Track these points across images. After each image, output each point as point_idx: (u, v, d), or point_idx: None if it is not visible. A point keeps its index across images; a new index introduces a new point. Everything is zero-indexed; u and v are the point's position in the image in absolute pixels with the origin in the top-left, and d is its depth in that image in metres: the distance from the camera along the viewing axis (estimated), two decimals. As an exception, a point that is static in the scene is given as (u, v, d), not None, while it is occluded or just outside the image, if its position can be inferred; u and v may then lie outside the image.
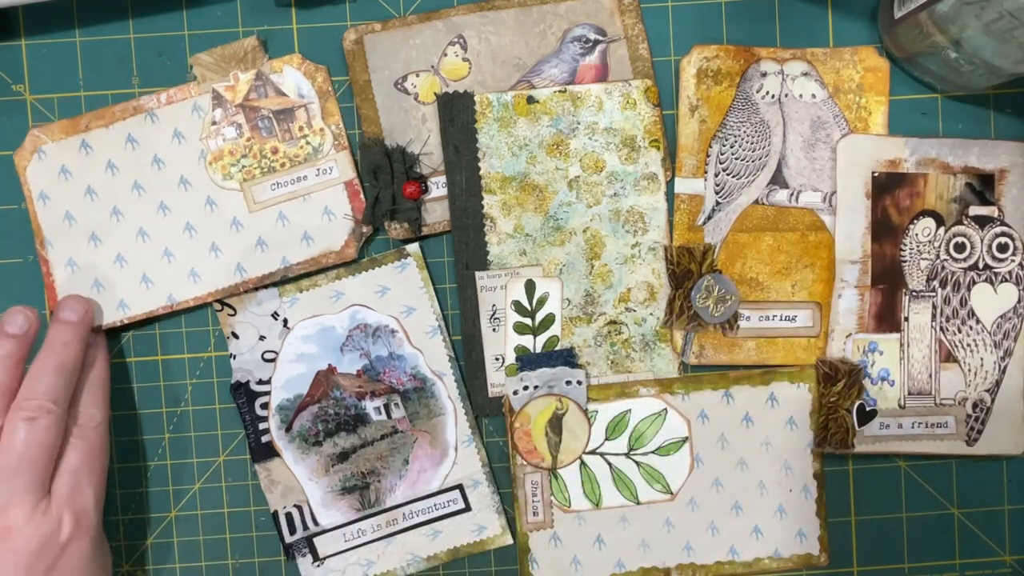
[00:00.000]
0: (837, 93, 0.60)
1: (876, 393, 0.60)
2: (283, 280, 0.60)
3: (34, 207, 0.59)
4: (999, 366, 0.60)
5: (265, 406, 0.60)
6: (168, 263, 0.59)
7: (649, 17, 0.60)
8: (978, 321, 0.60)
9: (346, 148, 0.59)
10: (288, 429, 0.60)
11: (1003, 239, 0.59)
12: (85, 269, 0.59)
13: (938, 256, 0.59)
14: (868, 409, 0.60)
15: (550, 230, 0.59)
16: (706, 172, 0.60)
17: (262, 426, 0.60)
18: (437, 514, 0.60)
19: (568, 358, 0.59)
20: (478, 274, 0.59)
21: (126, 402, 0.61)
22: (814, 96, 0.60)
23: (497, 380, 0.60)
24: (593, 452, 0.60)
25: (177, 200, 0.59)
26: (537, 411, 0.59)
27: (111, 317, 0.59)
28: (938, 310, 0.60)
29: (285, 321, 0.60)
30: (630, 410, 0.60)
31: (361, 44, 0.59)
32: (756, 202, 0.60)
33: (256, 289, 0.59)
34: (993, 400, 0.60)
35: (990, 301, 0.60)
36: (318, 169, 0.59)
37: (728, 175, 0.60)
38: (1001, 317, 0.60)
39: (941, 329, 0.60)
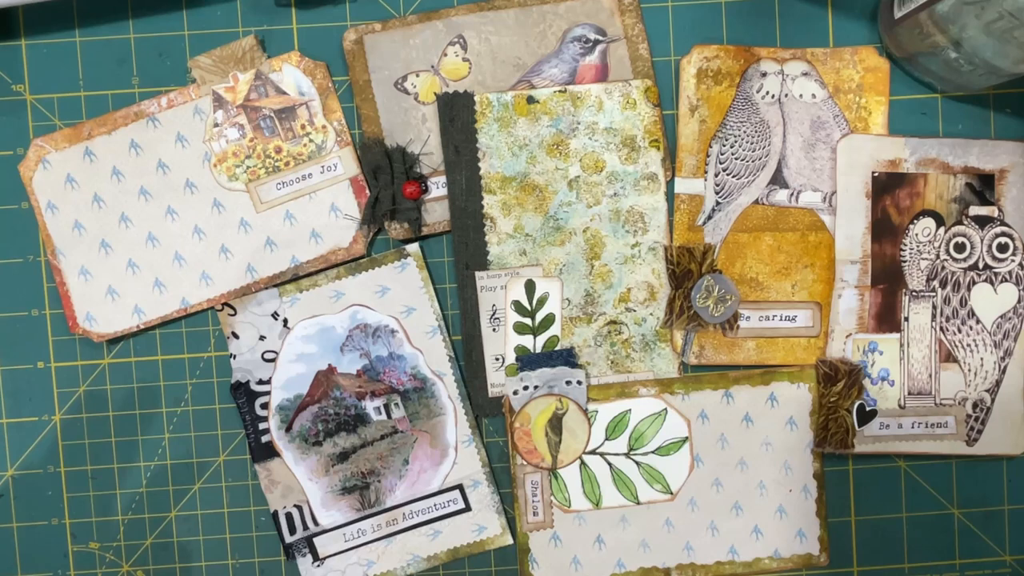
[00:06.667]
0: (837, 93, 0.60)
1: (876, 393, 0.60)
2: (286, 279, 0.60)
3: (43, 217, 0.59)
4: (999, 366, 0.60)
5: (265, 406, 0.60)
6: (179, 267, 0.59)
7: (649, 17, 0.60)
8: (978, 321, 0.60)
9: (349, 144, 0.59)
10: (288, 429, 0.60)
11: (1003, 239, 0.59)
12: (98, 277, 0.59)
13: (938, 256, 0.59)
14: (868, 409, 0.60)
15: (550, 230, 0.59)
16: (706, 172, 0.60)
17: (262, 426, 0.60)
18: (437, 514, 0.60)
19: (568, 358, 0.59)
20: (478, 274, 0.59)
21: (126, 402, 0.61)
22: (814, 96, 0.60)
23: (497, 380, 0.60)
24: (593, 452, 0.60)
25: (184, 204, 0.59)
26: (537, 411, 0.59)
27: (127, 323, 0.59)
28: (938, 310, 0.60)
29: (285, 321, 0.60)
30: (630, 410, 0.60)
31: (361, 44, 0.59)
32: (756, 202, 0.60)
33: (265, 288, 0.60)
34: (993, 400, 0.60)
35: (990, 301, 0.60)
36: (322, 166, 0.59)
37: (728, 175, 0.60)
38: (1001, 317, 0.60)
39: (941, 329, 0.60)
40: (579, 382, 0.59)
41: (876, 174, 0.59)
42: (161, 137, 0.59)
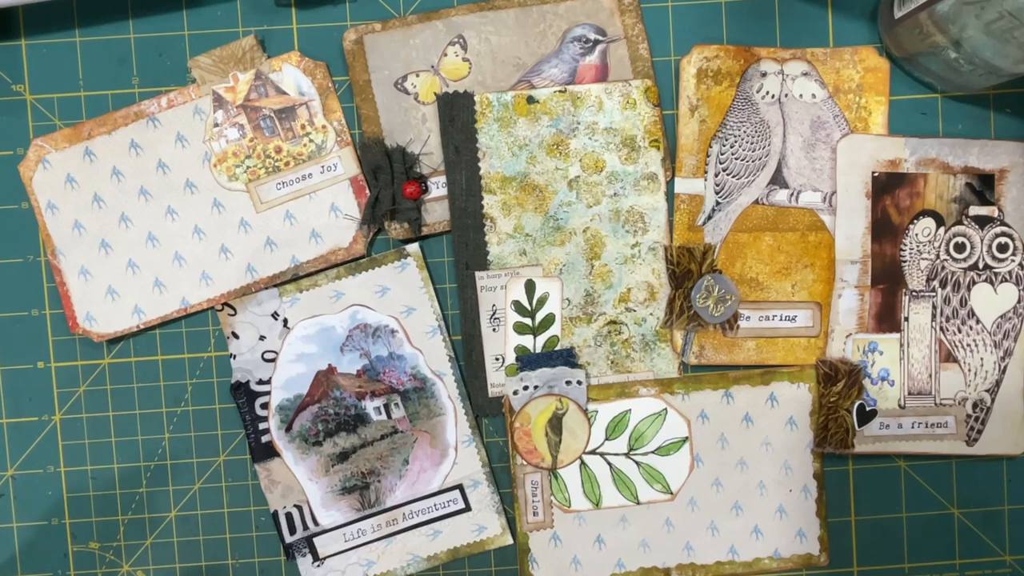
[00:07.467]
0: (837, 93, 0.60)
1: (876, 393, 0.60)
2: (286, 279, 0.60)
3: (43, 217, 0.59)
4: (999, 366, 0.60)
5: (265, 406, 0.60)
6: (179, 267, 0.59)
7: (649, 17, 0.60)
8: (978, 321, 0.60)
9: (349, 144, 0.59)
10: (288, 429, 0.60)
11: (1003, 239, 0.59)
12: (98, 277, 0.59)
13: (938, 256, 0.59)
14: (868, 409, 0.60)
15: (550, 230, 0.59)
16: (706, 172, 0.60)
17: (262, 426, 0.60)
18: (437, 514, 0.60)
19: (568, 358, 0.59)
20: (478, 274, 0.59)
21: (126, 402, 0.61)
22: (814, 96, 0.60)
23: (497, 380, 0.60)
24: (593, 452, 0.60)
25: (184, 204, 0.59)
26: (537, 411, 0.59)
27: (127, 323, 0.59)
28: (938, 310, 0.60)
29: (285, 321, 0.60)
30: (630, 410, 0.60)
31: (361, 44, 0.59)
32: (756, 202, 0.60)
33: (265, 288, 0.60)
34: (993, 400, 0.60)
35: (990, 301, 0.60)
36: (322, 166, 0.59)
37: (728, 175, 0.60)
38: (1001, 317, 0.60)
39: (941, 329, 0.60)
40: (579, 382, 0.59)
41: (876, 174, 0.59)
42: (161, 137, 0.59)
